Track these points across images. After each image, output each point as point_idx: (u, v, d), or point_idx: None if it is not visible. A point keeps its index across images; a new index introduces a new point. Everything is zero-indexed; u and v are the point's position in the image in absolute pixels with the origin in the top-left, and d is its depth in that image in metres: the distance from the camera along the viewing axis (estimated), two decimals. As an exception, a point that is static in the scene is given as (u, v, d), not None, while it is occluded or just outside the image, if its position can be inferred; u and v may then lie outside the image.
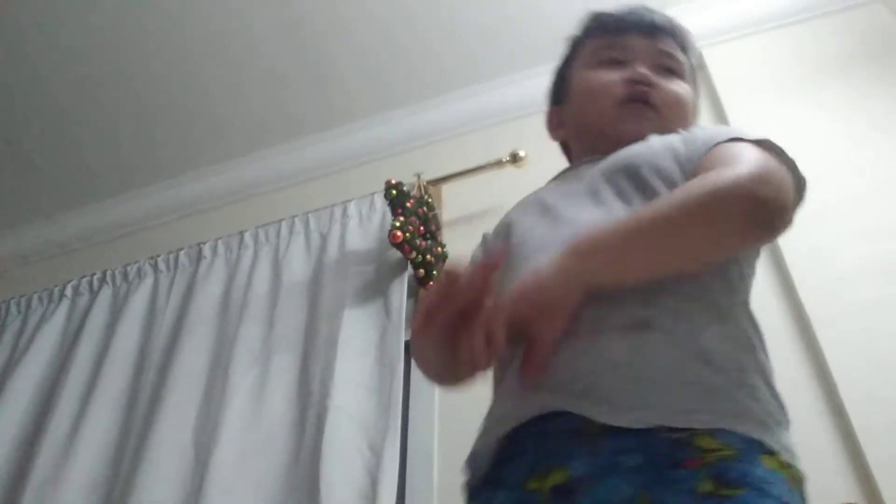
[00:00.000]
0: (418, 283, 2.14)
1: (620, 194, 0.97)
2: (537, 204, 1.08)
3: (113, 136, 2.71)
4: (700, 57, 2.35)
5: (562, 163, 2.37)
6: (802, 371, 1.70)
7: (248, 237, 2.44)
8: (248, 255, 2.39)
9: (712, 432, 0.76)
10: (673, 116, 1.10)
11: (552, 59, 2.50)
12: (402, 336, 1.99)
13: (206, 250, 2.46)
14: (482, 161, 2.29)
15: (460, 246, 2.24)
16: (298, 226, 2.40)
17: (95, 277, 2.58)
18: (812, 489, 0.84)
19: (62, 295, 2.57)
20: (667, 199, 0.89)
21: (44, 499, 1.98)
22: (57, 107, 2.60)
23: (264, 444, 1.88)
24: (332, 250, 2.27)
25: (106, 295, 2.51)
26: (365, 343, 2.00)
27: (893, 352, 1.62)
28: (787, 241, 1.86)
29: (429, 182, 2.30)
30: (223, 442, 1.89)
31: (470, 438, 0.96)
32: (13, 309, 2.65)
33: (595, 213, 0.95)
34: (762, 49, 2.31)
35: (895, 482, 1.50)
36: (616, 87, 1.09)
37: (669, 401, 0.78)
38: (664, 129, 1.06)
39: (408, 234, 2.02)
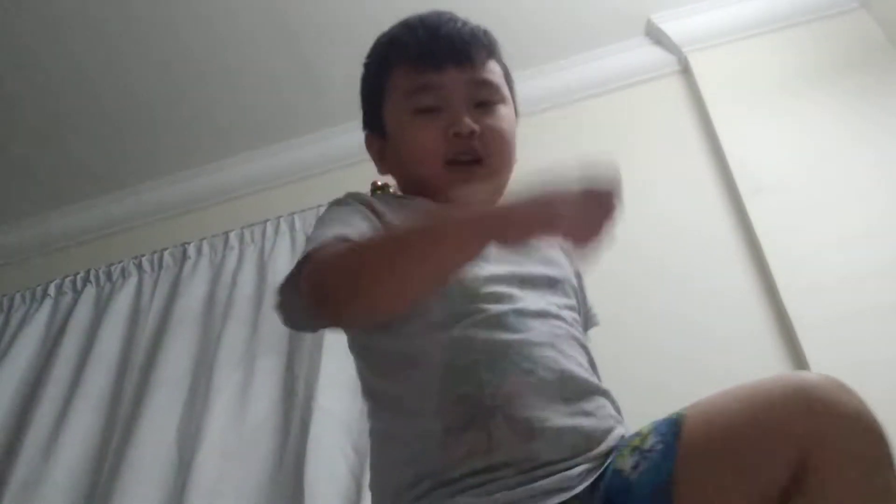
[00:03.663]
0: (404, 284, 2.13)
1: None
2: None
3: (98, 136, 2.69)
4: (685, 62, 2.36)
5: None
6: (785, 376, 1.72)
7: (233, 237, 2.43)
8: (233, 255, 2.39)
9: None
10: (499, 156, 1.11)
11: (539, 63, 2.53)
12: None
13: (191, 250, 2.45)
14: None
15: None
16: (284, 226, 2.40)
17: (79, 277, 2.56)
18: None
19: (45, 294, 2.55)
20: None
21: (26, 499, 1.97)
22: (42, 106, 2.58)
23: (248, 445, 1.88)
24: (318, 251, 2.27)
25: (89, 294, 2.49)
26: (350, 345, 2.00)
27: (876, 357, 1.64)
28: (772, 248, 1.88)
29: (415, 183, 2.30)
30: (207, 443, 1.89)
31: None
32: (-5, 308, 2.63)
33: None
34: (747, 55, 2.32)
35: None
36: (438, 147, 1.08)
37: None
38: (493, 173, 1.09)
39: (393, 236, 2.02)
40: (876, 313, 1.69)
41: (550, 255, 1.09)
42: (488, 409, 0.88)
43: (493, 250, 0.94)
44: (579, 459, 0.87)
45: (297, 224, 2.39)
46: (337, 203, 1.09)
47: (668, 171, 2.18)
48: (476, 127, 1.08)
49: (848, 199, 1.91)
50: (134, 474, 1.90)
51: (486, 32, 1.17)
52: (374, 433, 1.00)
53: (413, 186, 1.16)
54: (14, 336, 2.44)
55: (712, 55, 2.35)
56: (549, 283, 1.04)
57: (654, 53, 2.47)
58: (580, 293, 1.15)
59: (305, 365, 1.98)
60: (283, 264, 2.29)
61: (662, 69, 2.44)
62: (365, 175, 2.28)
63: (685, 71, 2.39)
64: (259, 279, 2.28)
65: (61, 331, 2.39)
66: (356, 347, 1.05)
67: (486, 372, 0.90)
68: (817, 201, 1.92)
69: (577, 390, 0.94)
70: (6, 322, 2.54)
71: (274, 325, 2.11)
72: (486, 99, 1.12)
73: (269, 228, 2.41)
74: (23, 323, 2.48)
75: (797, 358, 1.71)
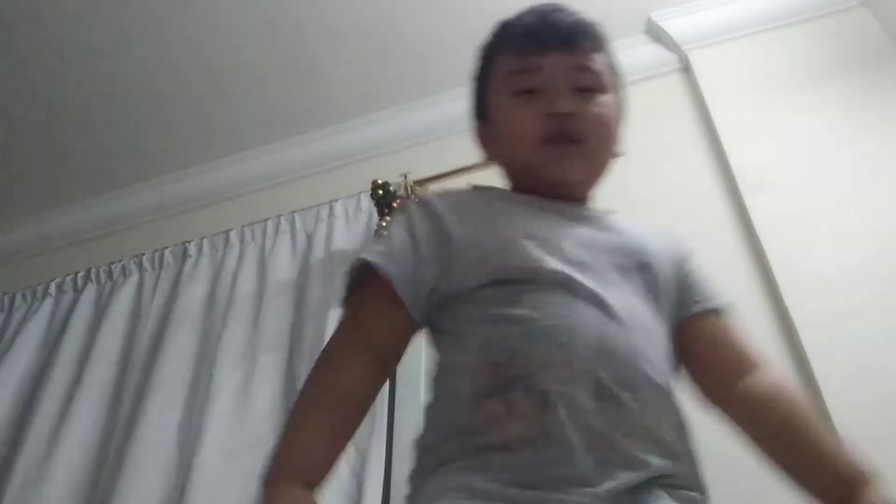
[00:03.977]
0: (404, 283, 2.13)
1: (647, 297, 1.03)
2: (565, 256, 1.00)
3: (98, 135, 2.69)
4: (686, 60, 2.36)
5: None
6: (786, 374, 1.71)
7: (233, 236, 2.43)
8: (233, 254, 2.39)
9: None
10: (597, 140, 1.10)
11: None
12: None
13: (192, 249, 2.45)
14: (469, 162, 2.27)
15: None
16: (284, 225, 2.40)
17: (80, 275, 2.56)
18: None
19: (46, 293, 2.56)
20: None
21: (26, 499, 1.97)
22: (41, 105, 2.58)
23: (249, 444, 1.88)
24: (318, 250, 2.27)
25: (90, 293, 2.49)
26: (350, 343, 2.00)
27: (876, 354, 1.64)
28: (772, 245, 1.88)
29: (415, 182, 2.30)
30: (207, 442, 1.89)
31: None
32: (-4, 306, 2.63)
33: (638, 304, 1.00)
34: (748, 53, 2.32)
35: (876, 484, 1.52)
36: (535, 126, 1.08)
37: None
38: (590, 157, 1.11)
39: (394, 235, 2.02)
40: (875, 310, 1.69)
41: (625, 243, 1.07)
42: (512, 378, 0.89)
43: (555, 231, 1.02)
44: (600, 459, 0.84)
45: (298, 223, 2.39)
46: (408, 209, 1.11)
47: (667, 169, 2.18)
48: (574, 109, 1.08)
49: (848, 197, 1.91)
50: (135, 472, 1.90)
51: (594, 25, 1.17)
52: (428, 401, 1.03)
53: (514, 171, 1.17)
54: (15, 335, 2.45)
55: (713, 53, 2.35)
56: (618, 270, 1.02)
57: (655, 51, 2.47)
58: (681, 281, 1.12)
59: (306, 363, 1.98)
60: (283, 263, 2.29)
61: (663, 67, 2.43)
62: (365, 174, 2.30)
63: (686, 69, 2.39)
64: (260, 277, 2.28)
65: (62, 329, 2.40)
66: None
67: (520, 341, 0.91)
68: (818, 199, 1.92)
69: (618, 375, 0.90)
70: (7, 321, 2.55)
71: (275, 324, 2.12)
72: (587, 85, 1.11)
73: (270, 227, 2.41)
74: (24, 321, 2.49)
75: (797, 354, 1.71)
